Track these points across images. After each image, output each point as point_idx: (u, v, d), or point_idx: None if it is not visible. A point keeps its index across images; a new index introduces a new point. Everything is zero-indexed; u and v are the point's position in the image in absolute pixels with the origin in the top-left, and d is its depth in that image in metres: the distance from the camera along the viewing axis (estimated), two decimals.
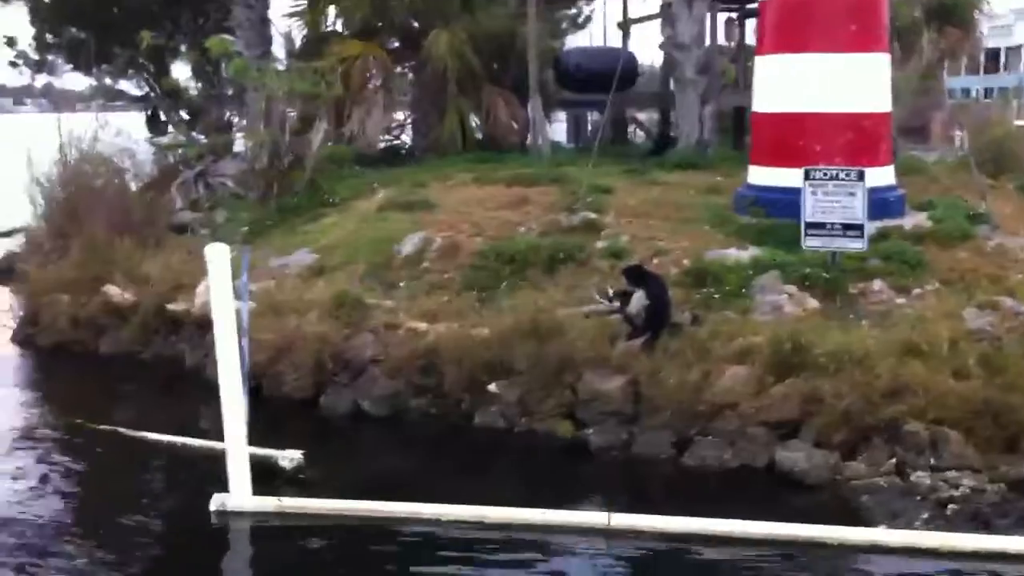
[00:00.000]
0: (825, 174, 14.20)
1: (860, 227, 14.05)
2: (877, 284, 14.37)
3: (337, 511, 10.28)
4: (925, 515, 9.96)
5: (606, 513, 9.89)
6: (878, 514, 10.14)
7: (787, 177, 16.06)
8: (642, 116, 33.39)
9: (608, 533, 9.77)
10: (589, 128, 34.74)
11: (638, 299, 12.63)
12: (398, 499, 10.53)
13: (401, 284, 16.05)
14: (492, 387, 12.90)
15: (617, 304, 13.98)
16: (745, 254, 15.11)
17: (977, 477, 10.68)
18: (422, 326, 14.20)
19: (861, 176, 14.03)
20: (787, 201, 15.90)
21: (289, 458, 11.39)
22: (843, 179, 14.08)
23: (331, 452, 12.29)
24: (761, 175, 16.84)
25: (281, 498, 10.44)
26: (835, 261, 14.42)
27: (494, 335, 13.09)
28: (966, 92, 60.50)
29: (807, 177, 14.24)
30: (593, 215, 16.95)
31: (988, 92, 63.73)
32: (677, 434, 11.89)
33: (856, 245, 14.18)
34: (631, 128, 31.38)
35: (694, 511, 10.26)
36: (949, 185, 19.67)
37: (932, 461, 10.94)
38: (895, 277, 14.42)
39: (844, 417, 11.20)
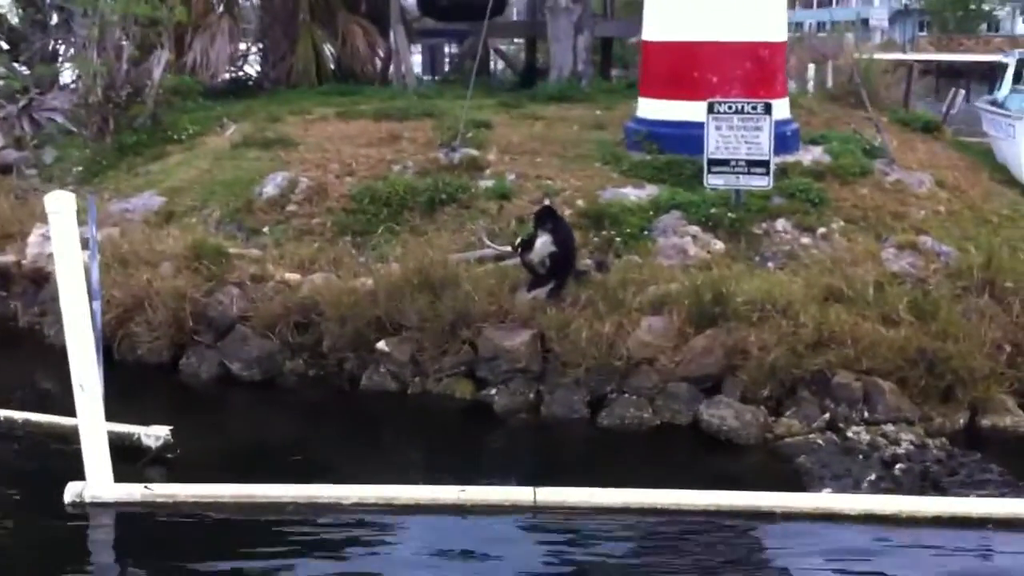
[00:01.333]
0: (730, 107, 13.25)
1: (766, 164, 13.19)
2: (781, 224, 13.62)
3: (217, 497, 8.81)
4: (872, 476, 9.17)
5: (531, 488, 8.73)
6: (820, 477, 9.30)
7: (682, 110, 15.15)
8: (503, 47, 32.07)
9: (535, 510, 8.62)
10: (447, 60, 33.31)
11: (543, 244, 11.43)
12: (283, 477, 9.17)
13: (265, 230, 14.48)
14: (381, 345, 11.54)
15: (508, 249, 12.82)
16: (643, 193, 14.12)
17: (914, 431, 10.01)
18: (295, 277, 12.70)
19: (768, 109, 13.13)
20: (683, 136, 15.00)
21: (155, 435, 9.82)
22: (749, 113, 13.16)
23: (200, 424, 10.73)
24: (653, 108, 15.81)
25: (148, 485, 8.90)
26: (739, 200, 13.55)
27: (381, 287, 11.70)
28: (799, 26, 61.14)
29: (710, 111, 13.25)
30: (475, 152, 15.63)
31: (821, 26, 64.83)
32: (591, 393, 10.83)
33: (761, 183, 13.33)
34: (493, 59, 30.02)
35: (617, 477, 9.26)
36: (829, 118, 19.13)
37: (866, 414, 10.23)
38: (799, 216, 13.67)
39: (771, 370, 10.31)
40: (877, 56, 28.19)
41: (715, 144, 13.30)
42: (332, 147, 16.64)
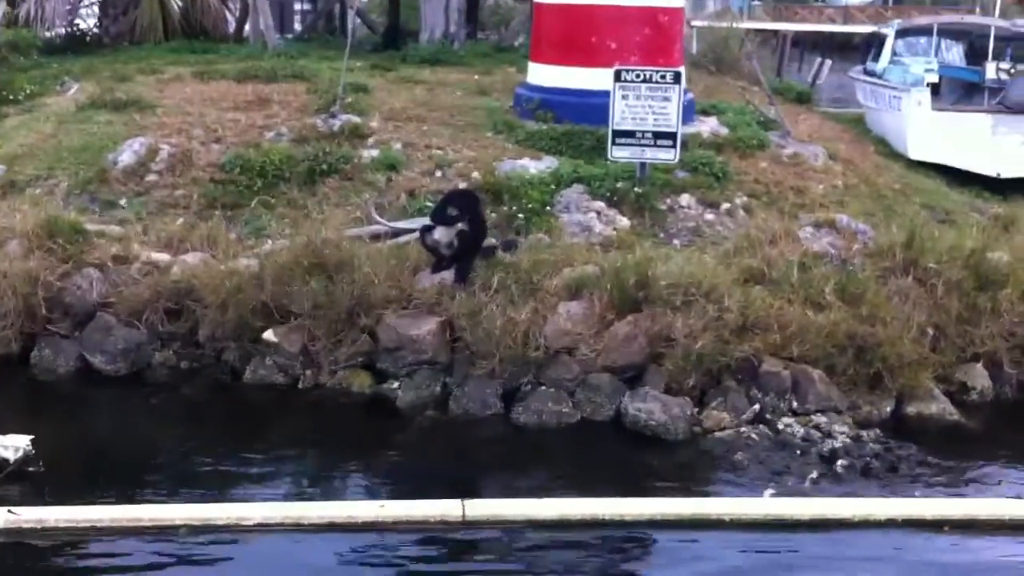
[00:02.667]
0: (638, 76, 12.52)
1: (673, 136, 12.54)
2: (685, 199, 13.04)
3: (95, 521, 7.62)
4: (813, 474, 8.65)
5: (459, 501, 7.84)
6: (758, 474, 8.73)
7: (579, 78, 14.44)
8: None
9: (464, 526, 7.73)
10: (296, 18, 31.73)
11: (452, 224, 10.45)
12: (167, 492, 8.15)
13: (122, 203, 13.06)
14: (268, 335, 10.41)
15: (402, 225, 11.84)
16: (542, 165, 13.28)
17: (844, 421, 9.55)
18: (163, 258, 11.39)
19: (677, 78, 12.49)
20: (580, 105, 14.29)
21: (12, 446, 8.48)
22: (657, 82, 12.47)
23: (61, 429, 9.42)
24: (547, 75, 14.96)
25: (12, 508, 7.62)
26: (644, 174, 12.87)
27: (267, 269, 10.53)
28: None
29: (617, 79, 12.50)
30: (357, 119, 14.47)
31: None
32: (504, 385, 9.97)
33: (667, 156, 12.68)
34: (351, 18, 28.52)
35: (540, 481, 8.66)
36: (706, 88, 18.65)
37: (794, 404, 9.73)
38: (704, 191, 13.11)
39: (698, 359, 9.67)
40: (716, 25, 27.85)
41: (621, 114, 12.56)
42: (194, 111, 15.21)
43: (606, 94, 13.58)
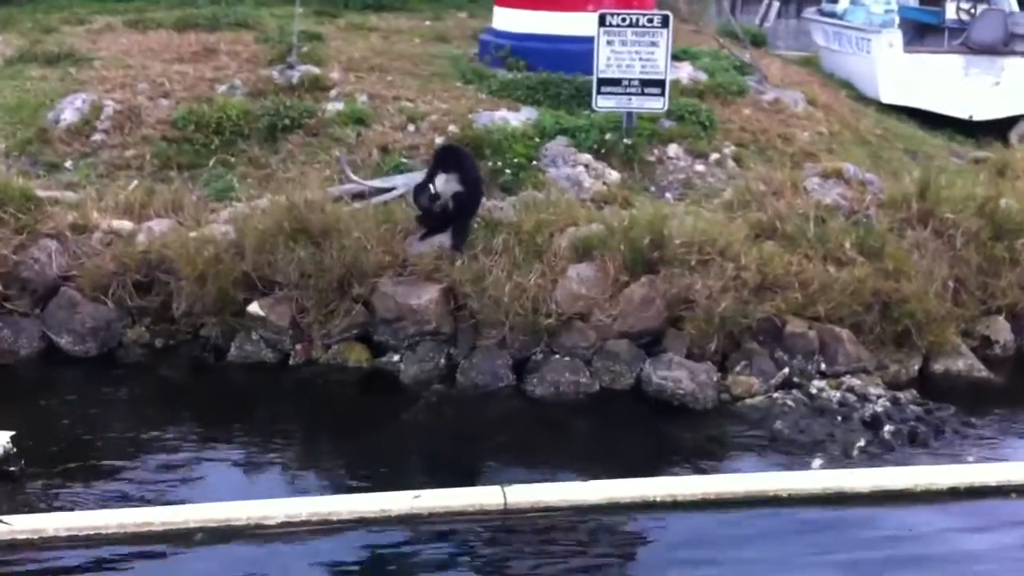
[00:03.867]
0: (624, 20, 11.81)
1: (662, 84, 11.90)
2: (673, 149, 12.46)
3: (99, 528, 6.80)
4: (861, 442, 8.19)
5: (499, 488, 7.21)
6: (800, 443, 8.24)
7: (551, 23, 13.72)
8: None
9: (505, 514, 7.11)
10: None
11: (447, 183, 9.70)
12: (165, 489, 7.40)
13: (67, 165, 12.03)
14: (253, 308, 9.58)
15: (379, 185, 11.06)
16: (520, 117, 12.55)
17: (875, 383, 9.12)
18: (125, 225, 10.44)
19: (666, 22, 11.80)
20: (554, 52, 13.59)
21: None
22: (645, 26, 11.78)
23: (34, 421, 8.42)
24: (515, 20, 14.14)
25: (4, 518, 6.77)
26: (631, 124, 12.23)
27: (249, 237, 9.67)
28: None
29: (602, 23, 11.78)
30: (316, 70, 13.52)
31: None
32: (515, 355, 9.32)
33: (656, 105, 12.04)
34: None
35: (569, 459, 8.03)
36: None
37: (823, 366, 9.25)
38: (691, 141, 12.53)
39: (720, 322, 9.13)
40: None
41: (606, 61, 11.86)
42: (135, 63, 14.08)
43: (581, 40, 13.00)
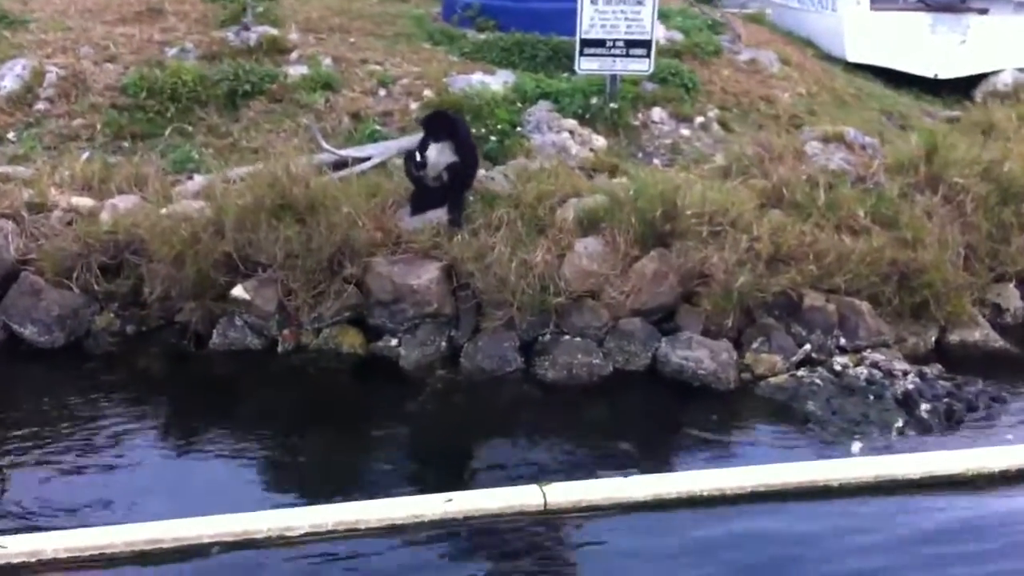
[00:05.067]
0: None
1: (647, 44, 11.38)
2: (657, 113, 11.99)
3: (104, 548, 6.12)
4: (899, 423, 7.85)
5: (537, 487, 6.69)
6: (834, 425, 7.87)
7: None
8: None
9: (546, 515, 6.60)
10: None
11: (440, 153, 9.07)
12: (166, 500, 6.69)
13: (10, 136, 11.14)
14: (238, 291, 8.87)
15: (355, 154, 10.39)
16: (497, 80, 11.95)
17: (895, 356, 8.79)
18: (85, 203, 9.64)
19: None
20: (525, 11, 13.02)
21: None
22: None
23: (5, 424, 7.73)
24: None
25: None
26: (615, 87, 11.70)
27: (229, 214, 8.93)
28: None
29: None
30: (274, 31, 12.70)
31: None
32: (523, 337, 8.78)
33: (641, 67, 11.53)
34: None
35: (594, 448, 7.56)
36: None
37: (842, 341, 8.88)
38: (675, 104, 12.05)
39: (738, 297, 8.70)
40: None
41: (590, 21, 11.29)
42: (75, 25, 13.18)
43: None
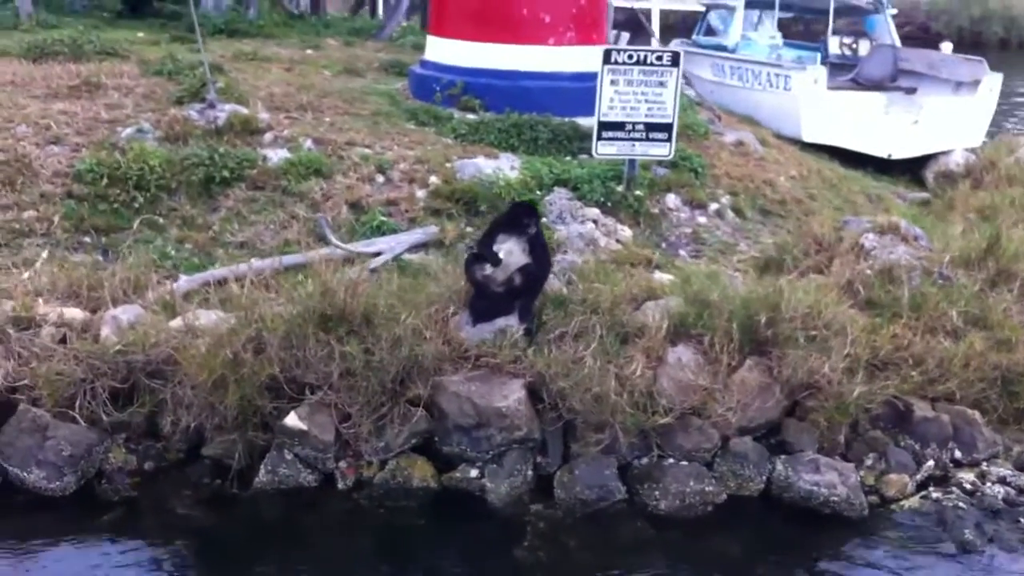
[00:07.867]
0: (631, 57, 10.47)
1: (669, 128, 10.63)
2: (671, 200, 11.23)
3: None
4: None
5: None
6: (993, 553, 7.14)
7: (508, 57, 12.36)
8: None
9: None
10: None
11: (514, 254, 7.99)
12: None
13: None
14: (292, 419, 7.49)
15: (363, 249, 9.26)
16: (504, 165, 10.96)
17: (1005, 466, 8.17)
18: (76, 315, 8.09)
19: (676, 60, 10.54)
20: (513, 89, 12.17)
21: None
22: (653, 64, 10.47)
23: None
24: (459, 53, 12.56)
25: None
26: (633, 172, 10.90)
27: (276, 329, 7.57)
28: None
29: (607, 60, 10.38)
30: (244, 110, 11.35)
31: None
32: (620, 461, 7.73)
33: (662, 151, 10.76)
34: None
35: None
36: None
37: (957, 454, 8.19)
38: (688, 189, 11.34)
39: (850, 408, 7.92)
40: None
41: (609, 103, 10.47)
42: (4, 100, 11.40)
43: (543, 76, 11.82)
